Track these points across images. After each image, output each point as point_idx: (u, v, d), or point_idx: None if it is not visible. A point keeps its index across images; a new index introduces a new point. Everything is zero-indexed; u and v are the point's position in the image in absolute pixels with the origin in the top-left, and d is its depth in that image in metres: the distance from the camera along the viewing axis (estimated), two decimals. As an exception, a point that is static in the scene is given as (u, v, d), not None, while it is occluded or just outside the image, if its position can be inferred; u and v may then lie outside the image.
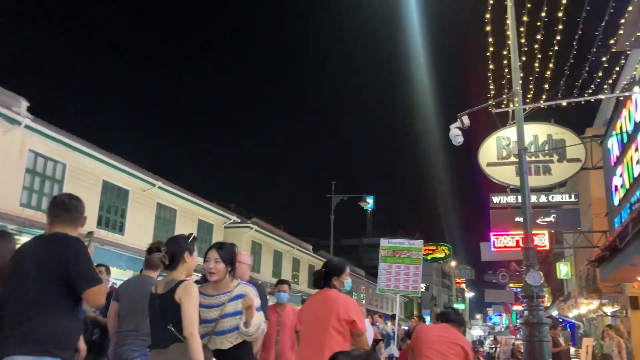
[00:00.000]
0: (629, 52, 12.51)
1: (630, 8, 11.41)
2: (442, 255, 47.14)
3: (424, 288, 48.68)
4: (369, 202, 28.51)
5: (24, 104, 13.70)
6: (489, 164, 14.89)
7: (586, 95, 9.14)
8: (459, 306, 72.04)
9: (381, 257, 10.98)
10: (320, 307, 4.48)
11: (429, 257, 44.76)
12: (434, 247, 46.91)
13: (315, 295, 4.77)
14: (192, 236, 3.90)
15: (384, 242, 11.39)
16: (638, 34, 11.55)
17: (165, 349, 3.41)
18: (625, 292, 15.62)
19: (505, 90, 9.68)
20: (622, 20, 10.97)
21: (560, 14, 8.68)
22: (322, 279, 4.61)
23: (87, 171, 16.01)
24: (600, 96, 9.67)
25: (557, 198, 15.22)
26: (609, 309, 18.48)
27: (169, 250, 3.70)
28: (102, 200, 16.70)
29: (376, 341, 12.36)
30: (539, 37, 8.83)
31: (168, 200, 19.85)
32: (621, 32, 10.72)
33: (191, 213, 21.36)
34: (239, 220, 24.48)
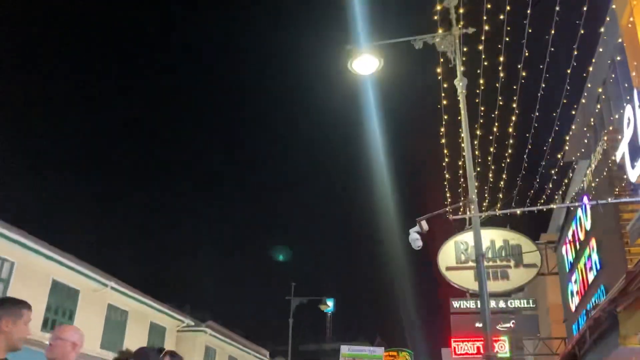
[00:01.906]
0: (575, 166, 13.25)
1: (573, 126, 12.24)
2: (403, 362, 45.89)
3: (384, 397, 46.83)
4: (329, 305, 28.00)
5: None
6: (448, 268, 15.00)
7: (538, 204, 9.51)
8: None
9: (341, 365, 10.64)
10: None
11: (389, 364, 43.49)
12: (395, 354, 45.75)
13: None
14: (164, 351, 3.73)
15: (345, 349, 11.08)
16: (582, 148, 12.30)
17: None
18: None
19: (462, 198, 9.98)
20: (568, 136, 11.71)
21: (510, 130, 9.22)
22: None
23: (36, 270, 15.34)
24: (552, 206, 10.07)
25: (515, 303, 15.30)
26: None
27: None
28: (49, 301, 15.89)
29: None
30: (492, 149, 9.31)
31: (119, 301, 19.04)
32: (567, 146, 11.40)
33: (143, 315, 20.46)
34: (192, 323, 23.54)
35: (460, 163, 9.69)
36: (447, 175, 9.47)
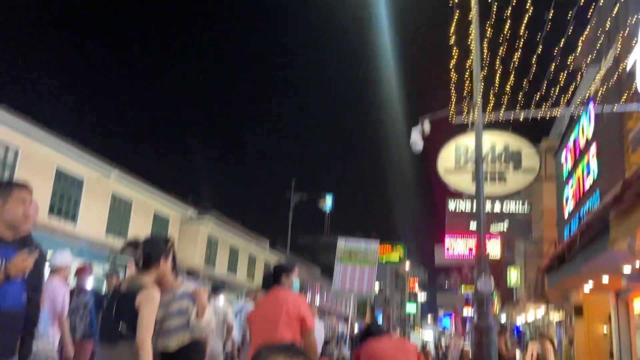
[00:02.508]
0: (584, 71, 12.95)
1: (587, 29, 11.82)
2: (397, 259, 47.70)
3: (377, 289, 49.15)
4: (328, 202, 28.61)
5: (-24, 84, 13.20)
6: (446, 171, 15.11)
7: (543, 109, 9.41)
8: (411, 308, 73.07)
9: (338, 258, 11.05)
10: (270, 305, 4.59)
11: (384, 260, 45.22)
12: (390, 247, 47.40)
13: (266, 295, 4.85)
14: (171, 241, 3.83)
15: (341, 242, 11.45)
16: (593, 53, 11.97)
17: (114, 345, 3.36)
18: (570, 300, 16.16)
19: (466, 100, 9.88)
20: (581, 39, 11.35)
21: (522, 31, 8.91)
22: (272, 278, 4.74)
23: (39, 158, 15.53)
24: (556, 111, 9.97)
25: (510, 207, 15.58)
26: (554, 316, 19.11)
27: (145, 250, 3.58)
28: (54, 188, 16.23)
29: (325, 342, 12.43)
30: (501, 51, 9.04)
31: (123, 191, 19.44)
32: (579, 50, 11.08)
33: (147, 205, 20.97)
34: (195, 214, 24.19)
35: (467, 64, 9.47)
36: (453, 77, 9.29)
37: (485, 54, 9.47)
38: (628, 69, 8.76)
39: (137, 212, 20.33)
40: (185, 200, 24.64)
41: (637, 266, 9.12)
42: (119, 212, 19.41)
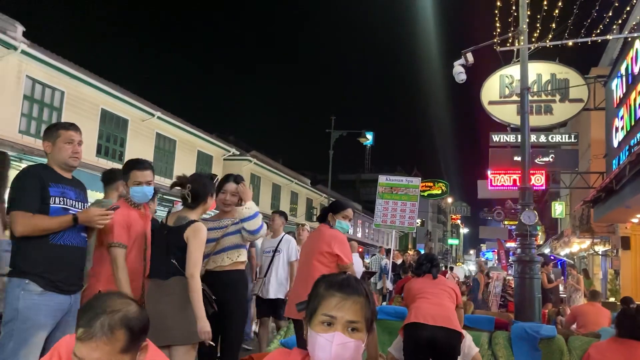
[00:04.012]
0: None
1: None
2: (439, 192, 47.49)
3: (419, 224, 49.41)
4: (369, 138, 28.40)
5: (20, 28, 13.40)
6: (490, 102, 14.76)
7: (593, 35, 8.94)
8: (453, 242, 73.37)
9: (379, 193, 11.09)
10: (310, 241, 4.88)
11: (426, 194, 45.15)
12: (432, 184, 47.19)
13: (313, 230, 5.08)
14: (216, 178, 3.98)
15: (382, 179, 11.46)
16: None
17: (165, 280, 3.51)
18: (617, 232, 15.90)
19: (511, 28, 9.46)
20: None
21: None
22: (322, 215, 4.91)
23: (85, 99, 15.88)
24: (608, 37, 9.46)
25: (556, 138, 15.20)
26: (600, 248, 18.89)
27: (193, 188, 3.68)
28: (101, 129, 16.66)
29: (370, 274, 12.69)
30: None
31: (167, 130, 19.80)
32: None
33: (190, 144, 21.37)
34: (238, 152, 24.53)
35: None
36: (497, 3, 8.87)
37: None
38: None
39: (181, 150, 20.77)
40: (227, 140, 24.94)
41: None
42: (164, 151, 19.87)
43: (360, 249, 14.62)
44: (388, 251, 13.51)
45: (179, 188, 3.73)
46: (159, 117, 18.75)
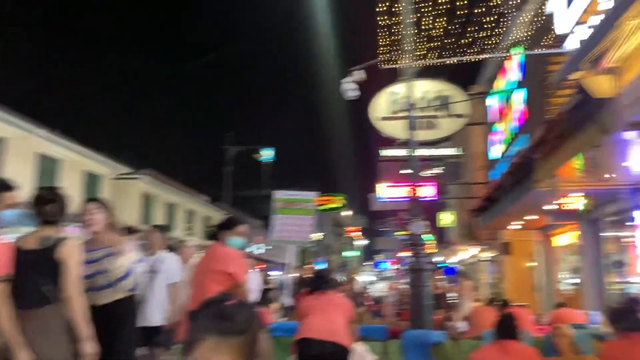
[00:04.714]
0: (511, 17, 13.19)
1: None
2: (338, 205, 48.38)
3: (317, 238, 49.94)
4: (267, 155, 28.46)
5: None
6: (379, 118, 15.30)
7: (469, 53, 9.57)
8: (351, 254, 74.84)
9: (274, 209, 11.06)
10: (203, 260, 4.72)
11: (324, 208, 45.79)
12: (330, 198, 47.97)
13: (208, 248, 4.93)
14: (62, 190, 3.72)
15: (278, 194, 11.43)
16: (517, 2, 12.20)
17: (38, 309, 3.23)
18: (499, 238, 17.00)
19: (397, 47, 9.91)
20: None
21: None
22: (214, 233, 4.78)
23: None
24: (484, 55, 10.17)
25: (443, 151, 16.02)
26: (486, 255, 20.09)
27: (52, 203, 3.42)
28: (-27, 149, 15.33)
29: (269, 290, 12.59)
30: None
31: (50, 149, 18.60)
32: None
33: (76, 164, 20.19)
34: (129, 171, 23.54)
35: (398, 9, 9.46)
36: (384, 22, 9.25)
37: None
38: (548, 11, 8.98)
39: (67, 171, 19.56)
40: (119, 158, 23.87)
41: (558, 204, 9.65)
42: (47, 171, 18.61)
43: (261, 266, 14.49)
44: (288, 266, 13.47)
45: (36, 205, 3.44)
46: (40, 136, 17.59)
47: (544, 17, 9.96)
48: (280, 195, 11.30)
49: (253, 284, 8.27)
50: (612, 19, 5.57)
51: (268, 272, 24.02)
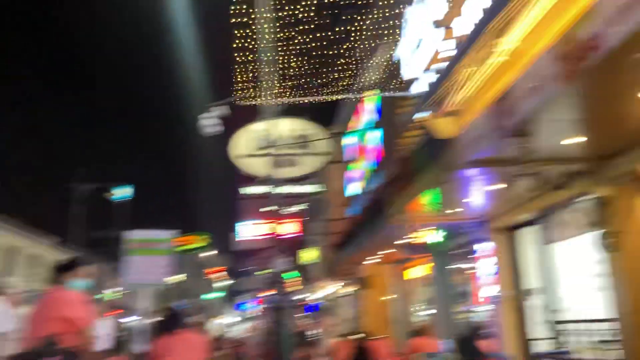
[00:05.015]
0: (367, 60, 13.95)
1: (368, 20, 12.71)
2: (199, 245, 47.14)
3: (177, 279, 48.06)
4: (123, 192, 27.02)
5: None
6: (240, 156, 15.19)
7: (325, 93, 9.91)
8: (216, 295, 72.96)
9: (127, 250, 10.41)
10: (40, 307, 4.33)
11: (185, 248, 44.36)
12: (191, 238, 46.63)
13: (46, 293, 4.48)
14: None
15: (132, 234, 10.81)
16: (374, 43, 12.95)
17: None
18: (358, 273, 17.49)
19: (256, 84, 9.97)
20: (363, 29, 12.18)
21: (311, 15, 9.25)
22: (55, 275, 4.43)
23: None
24: (341, 96, 10.59)
25: (305, 189, 16.29)
26: (347, 290, 20.55)
27: None
28: None
29: (119, 337, 11.72)
30: (287, 35, 9.28)
31: None
32: (361, 39, 11.89)
33: None
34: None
35: (258, 47, 9.56)
36: (240, 60, 9.28)
37: (273, 37, 9.63)
38: (398, 57, 9.56)
39: None
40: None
41: (409, 238, 10.15)
42: None
43: (116, 312, 13.45)
44: (142, 311, 12.67)
45: None
46: None
47: (393, 63, 10.62)
48: (133, 235, 10.66)
49: (103, 330, 7.64)
50: (451, 66, 6.04)
51: (123, 318, 22.50)
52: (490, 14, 4.89)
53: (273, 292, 8.96)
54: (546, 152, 5.15)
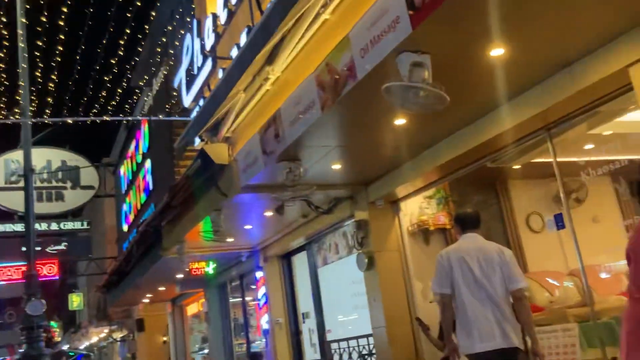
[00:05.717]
0: (142, 90, 13.49)
1: (141, 54, 12.32)
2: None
3: None
4: None
5: None
6: (-7, 189, 13.40)
7: (91, 115, 9.28)
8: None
9: None
10: None
11: None
12: None
13: None
14: None
15: None
16: (148, 74, 12.57)
17: None
18: (133, 315, 16.39)
19: (9, 101, 8.93)
20: (135, 62, 11.77)
21: (79, 44, 8.63)
22: None
23: None
24: (106, 118, 9.99)
25: (69, 225, 14.92)
26: (118, 335, 19.10)
27: None
28: None
29: None
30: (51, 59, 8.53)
31: None
32: (135, 71, 11.50)
33: None
34: None
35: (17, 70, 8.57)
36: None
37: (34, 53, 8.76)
38: (175, 86, 9.39)
39: None
40: None
41: (188, 270, 9.83)
42: None
43: None
44: None
45: None
46: None
47: (171, 90, 10.38)
48: None
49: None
50: (222, 94, 6.08)
51: None
52: (256, 45, 5.04)
53: (24, 339, 7.89)
54: (314, 178, 5.41)
